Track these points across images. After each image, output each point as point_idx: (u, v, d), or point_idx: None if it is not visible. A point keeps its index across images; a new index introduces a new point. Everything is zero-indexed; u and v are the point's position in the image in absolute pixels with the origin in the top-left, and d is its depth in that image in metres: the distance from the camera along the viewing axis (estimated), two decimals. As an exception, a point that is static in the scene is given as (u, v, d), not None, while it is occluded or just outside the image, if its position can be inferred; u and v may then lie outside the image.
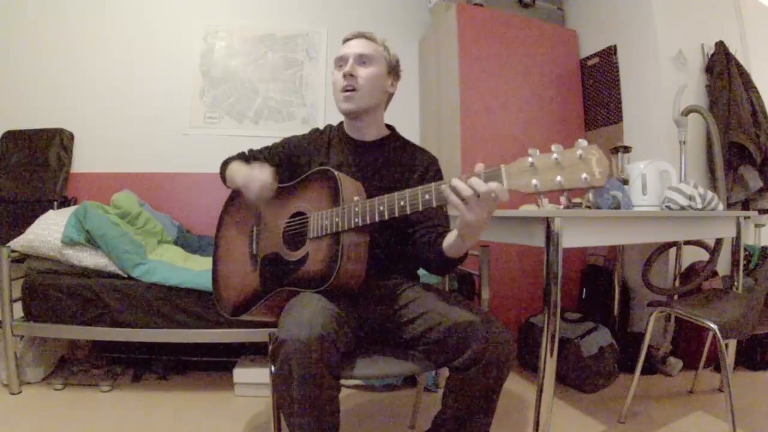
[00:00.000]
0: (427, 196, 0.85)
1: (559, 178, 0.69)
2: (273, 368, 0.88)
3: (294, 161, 1.22)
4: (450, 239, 0.96)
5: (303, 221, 1.06)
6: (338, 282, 0.96)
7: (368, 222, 0.93)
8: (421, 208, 0.86)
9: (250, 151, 1.28)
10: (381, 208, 0.91)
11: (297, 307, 0.91)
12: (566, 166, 0.69)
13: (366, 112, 1.16)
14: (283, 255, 1.07)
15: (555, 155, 0.70)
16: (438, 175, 1.20)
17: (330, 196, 1.02)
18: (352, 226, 0.95)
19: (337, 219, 0.97)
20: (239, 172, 1.13)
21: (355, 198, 1.00)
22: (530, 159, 0.72)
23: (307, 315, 0.87)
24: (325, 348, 0.83)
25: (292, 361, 0.82)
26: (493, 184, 0.75)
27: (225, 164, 1.24)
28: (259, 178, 1.06)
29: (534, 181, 0.71)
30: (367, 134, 1.20)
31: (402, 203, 0.88)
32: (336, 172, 1.02)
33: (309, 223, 1.03)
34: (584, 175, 0.67)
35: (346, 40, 1.18)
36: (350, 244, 0.97)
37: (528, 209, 1.47)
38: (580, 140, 0.70)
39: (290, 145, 1.25)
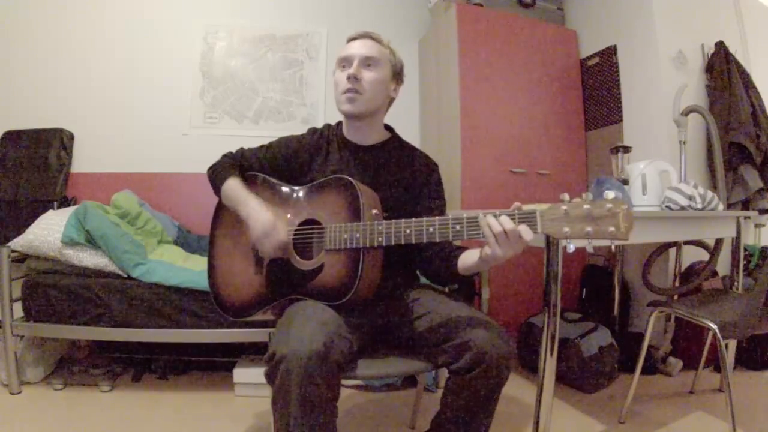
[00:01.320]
0: (458, 227, 0.85)
1: (588, 228, 0.75)
2: (271, 384, 0.84)
3: (292, 162, 1.19)
4: (467, 261, 0.98)
5: (317, 230, 1.03)
6: (355, 298, 0.94)
7: (392, 243, 0.92)
8: (451, 238, 0.87)
9: (240, 150, 1.21)
10: (408, 231, 0.90)
11: (299, 321, 0.87)
12: (596, 218, 0.74)
13: (368, 115, 1.14)
14: (293, 262, 1.04)
15: (587, 206, 0.75)
16: (440, 185, 1.20)
17: (348, 208, 0.99)
18: (375, 245, 0.93)
19: (358, 235, 0.94)
20: (255, 212, 1.04)
21: (374, 212, 0.99)
22: (564, 207, 0.76)
23: (309, 330, 0.83)
24: (326, 367, 0.81)
25: (293, 378, 0.79)
26: (521, 226, 0.79)
27: (219, 174, 1.14)
28: (281, 236, 1.01)
29: (566, 229, 0.76)
30: (367, 137, 1.18)
31: (431, 230, 0.88)
32: (355, 183, 1.00)
33: (325, 234, 1.00)
34: (611, 229, 0.73)
35: (352, 39, 1.14)
36: (370, 262, 0.96)
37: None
38: (609, 193, 0.75)
39: (287, 146, 1.20)
